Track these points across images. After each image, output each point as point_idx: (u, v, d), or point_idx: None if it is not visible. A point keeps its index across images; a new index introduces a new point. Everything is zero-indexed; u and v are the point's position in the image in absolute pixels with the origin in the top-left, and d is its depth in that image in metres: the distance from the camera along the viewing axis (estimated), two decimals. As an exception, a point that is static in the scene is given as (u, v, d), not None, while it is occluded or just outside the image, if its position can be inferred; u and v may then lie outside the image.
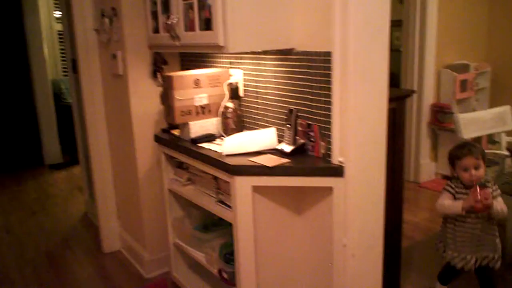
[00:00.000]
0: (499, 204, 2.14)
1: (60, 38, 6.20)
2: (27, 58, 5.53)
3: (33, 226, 3.94)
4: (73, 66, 3.51)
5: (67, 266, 3.20)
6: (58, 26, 6.18)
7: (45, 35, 5.75)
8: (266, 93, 2.19)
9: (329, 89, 1.80)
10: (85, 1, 3.01)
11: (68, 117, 4.48)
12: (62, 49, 6.11)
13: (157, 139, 2.54)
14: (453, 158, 2.23)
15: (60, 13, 4.15)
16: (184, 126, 2.32)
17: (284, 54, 2.02)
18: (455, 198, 2.22)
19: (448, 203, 2.21)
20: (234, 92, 2.31)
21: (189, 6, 2.02)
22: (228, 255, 2.12)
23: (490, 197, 2.06)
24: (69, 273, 3.10)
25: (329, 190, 1.84)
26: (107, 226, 3.35)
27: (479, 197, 2.04)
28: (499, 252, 2.24)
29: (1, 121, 6.12)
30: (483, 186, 2.13)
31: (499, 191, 2.20)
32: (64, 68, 6.12)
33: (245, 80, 2.32)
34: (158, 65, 2.75)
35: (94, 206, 3.53)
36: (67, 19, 3.59)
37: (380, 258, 1.99)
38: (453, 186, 2.24)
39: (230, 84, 2.31)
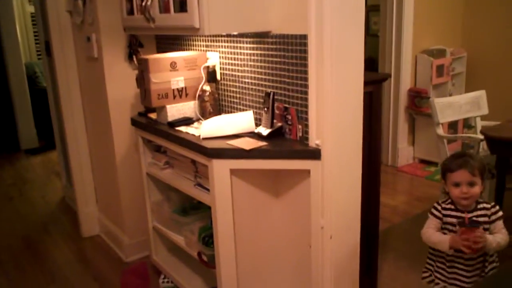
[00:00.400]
0: (497, 237, 1.78)
1: (33, 20, 6.05)
2: (0, 41, 5.38)
3: (10, 211, 3.90)
4: (47, 49, 3.43)
5: (46, 251, 3.18)
6: (31, 8, 6.03)
7: (17, 17, 5.61)
8: (243, 76, 2.18)
9: (305, 72, 1.81)
10: (57, -18, 2.94)
11: (43, 101, 4.40)
12: (35, 32, 5.97)
13: (134, 122, 2.52)
14: (445, 171, 1.88)
15: (33, -6, 4.05)
16: (161, 109, 2.30)
17: (260, 37, 2.01)
18: (443, 223, 1.87)
19: (434, 239, 1.86)
20: (211, 75, 2.30)
21: (165, -12, 2.00)
22: (207, 238, 2.13)
23: (483, 239, 1.73)
24: (48, 258, 3.08)
25: (306, 172, 1.85)
26: (86, 210, 3.32)
27: (467, 243, 1.74)
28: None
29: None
30: (475, 226, 1.79)
31: (500, 213, 1.84)
32: (38, 51, 5.99)
33: (222, 63, 2.31)
34: (134, 47, 2.72)
35: (72, 191, 3.49)
36: (39, 1, 3.50)
37: (357, 239, 2.02)
38: (440, 208, 1.89)
39: (207, 67, 2.30)
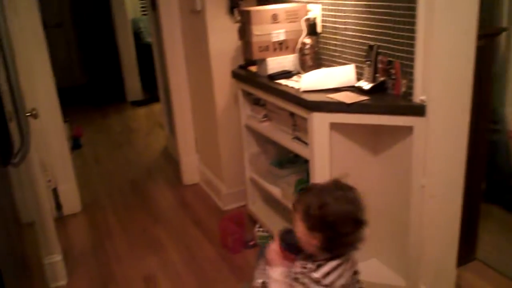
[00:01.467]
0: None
1: (139, -23, 6.30)
2: (108, -2, 5.70)
3: (119, 157, 4.24)
4: (152, 4, 3.58)
5: (151, 195, 3.44)
6: (136, -35, 6.27)
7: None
8: (345, 29, 2.12)
9: (413, 23, 1.72)
10: None
11: (147, 56, 4.63)
12: (140, -12, 6.23)
13: (235, 75, 2.58)
14: None
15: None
16: (261, 62, 2.33)
17: (366, -14, 1.93)
18: None
19: None
20: (312, 28, 2.26)
21: None
22: (304, 191, 2.16)
23: (275, 259, 1.40)
24: (152, 201, 3.33)
25: (408, 129, 1.79)
26: (187, 160, 3.51)
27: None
28: None
29: (88, 59, 6.50)
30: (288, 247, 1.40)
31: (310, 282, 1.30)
32: (143, 6, 6.25)
33: (323, 15, 2.26)
34: (235, 0, 2.74)
35: (174, 141, 3.70)
36: (147, -43, 3.62)
37: (459, 201, 1.94)
38: None
39: (308, 19, 2.26)
